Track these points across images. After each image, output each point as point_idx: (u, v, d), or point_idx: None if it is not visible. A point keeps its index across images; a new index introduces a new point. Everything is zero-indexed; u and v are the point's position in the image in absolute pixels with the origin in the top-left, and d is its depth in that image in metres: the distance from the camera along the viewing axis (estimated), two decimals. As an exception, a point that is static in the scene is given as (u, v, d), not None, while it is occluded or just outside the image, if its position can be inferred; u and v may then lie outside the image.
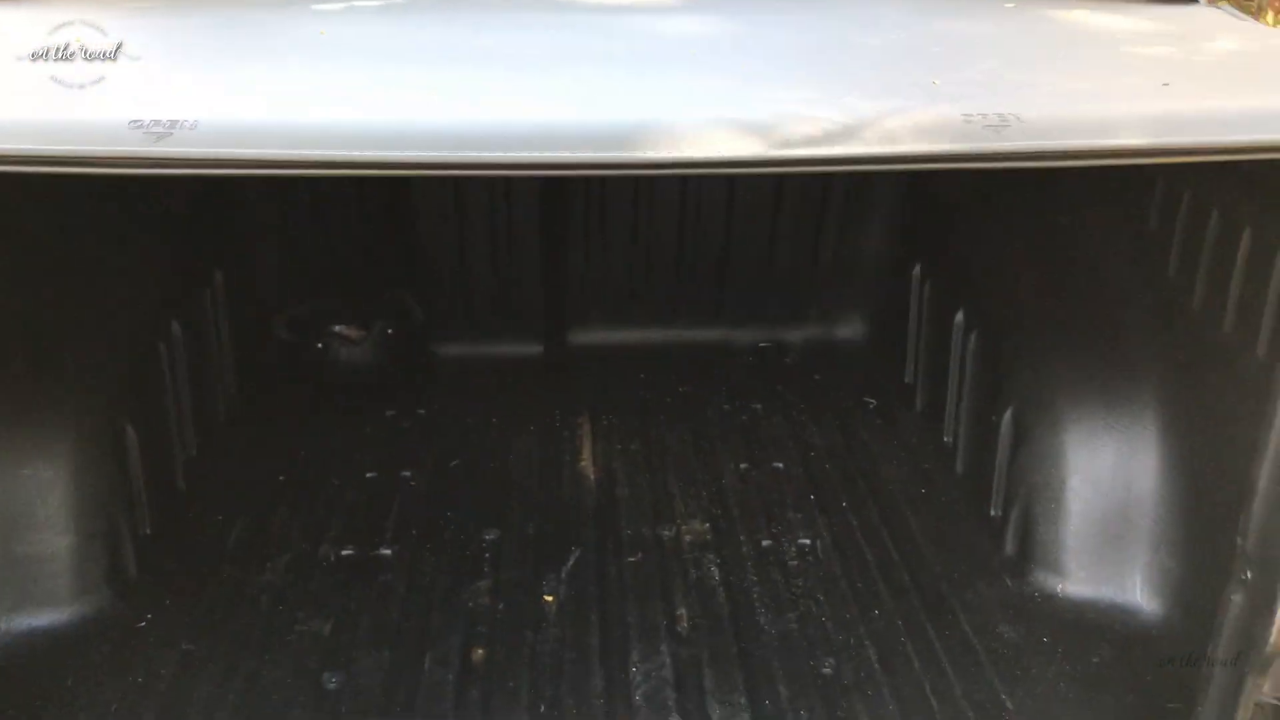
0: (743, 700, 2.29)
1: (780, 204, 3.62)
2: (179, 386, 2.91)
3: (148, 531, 2.66)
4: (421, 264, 3.62)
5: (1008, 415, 2.74)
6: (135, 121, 1.39)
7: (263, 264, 3.53)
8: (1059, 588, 2.58)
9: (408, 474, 3.11)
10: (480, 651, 2.42)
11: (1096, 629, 2.46)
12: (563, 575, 2.69)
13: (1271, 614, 1.75)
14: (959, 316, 3.06)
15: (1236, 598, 1.82)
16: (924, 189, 3.47)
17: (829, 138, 1.49)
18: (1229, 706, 1.84)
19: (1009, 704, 2.27)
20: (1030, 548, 2.64)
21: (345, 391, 3.48)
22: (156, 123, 1.38)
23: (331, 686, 2.31)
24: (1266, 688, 1.82)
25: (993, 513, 2.81)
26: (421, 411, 3.46)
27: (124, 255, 2.77)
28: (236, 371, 3.32)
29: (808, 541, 2.84)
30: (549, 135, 1.50)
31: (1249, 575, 1.79)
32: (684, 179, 3.53)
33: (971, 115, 1.54)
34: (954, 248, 3.21)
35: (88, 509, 2.45)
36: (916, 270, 3.40)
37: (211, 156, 1.40)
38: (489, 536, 2.83)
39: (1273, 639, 1.76)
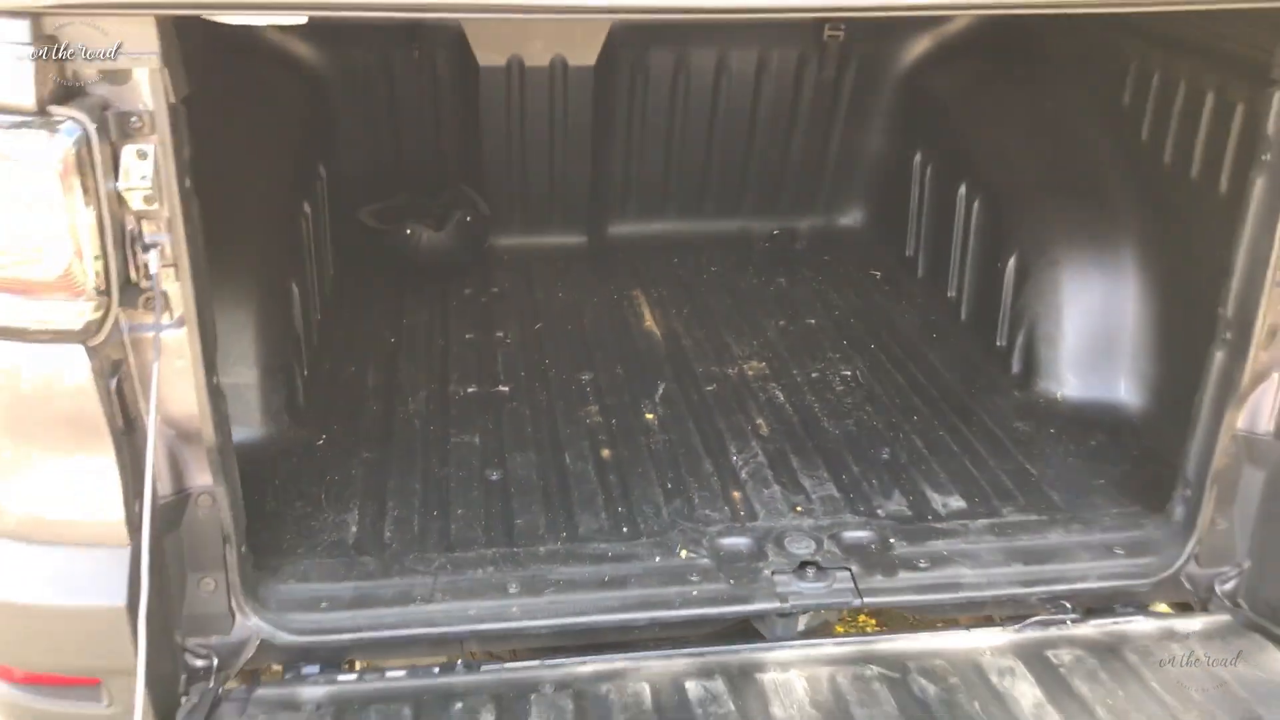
0: (825, 475, 2.88)
1: (797, 106, 4.18)
2: (311, 258, 3.39)
3: (305, 374, 3.15)
4: (485, 164, 4.12)
5: (1011, 261, 3.36)
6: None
7: (349, 161, 4.00)
8: (1058, 394, 3.21)
9: (501, 334, 3.63)
10: (607, 451, 2.97)
11: (1091, 422, 3.10)
12: (656, 400, 3.25)
13: (1245, 361, 2.38)
14: (961, 189, 3.66)
15: (1219, 354, 2.44)
16: (919, 87, 4.07)
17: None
18: (1210, 438, 2.47)
19: (1033, 472, 2.89)
20: (1033, 365, 3.27)
21: (425, 273, 3.97)
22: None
23: (495, 478, 2.84)
24: (1240, 422, 2.46)
25: (998, 343, 3.42)
26: (495, 290, 3.97)
27: (271, 146, 3.24)
28: (334, 253, 3.79)
29: (849, 372, 3.43)
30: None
31: (1229, 335, 2.41)
32: (717, 81, 4.08)
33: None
34: (952, 134, 3.82)
35: (268, 348, 2.92)
36: (918, 157, 4.00)
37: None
38: (585, 377, 3.37)
39: (1245, 380, 2.40)
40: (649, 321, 3.76)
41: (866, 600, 2.44)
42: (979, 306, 3.59)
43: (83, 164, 1.82)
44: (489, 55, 3.84)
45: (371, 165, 4.10)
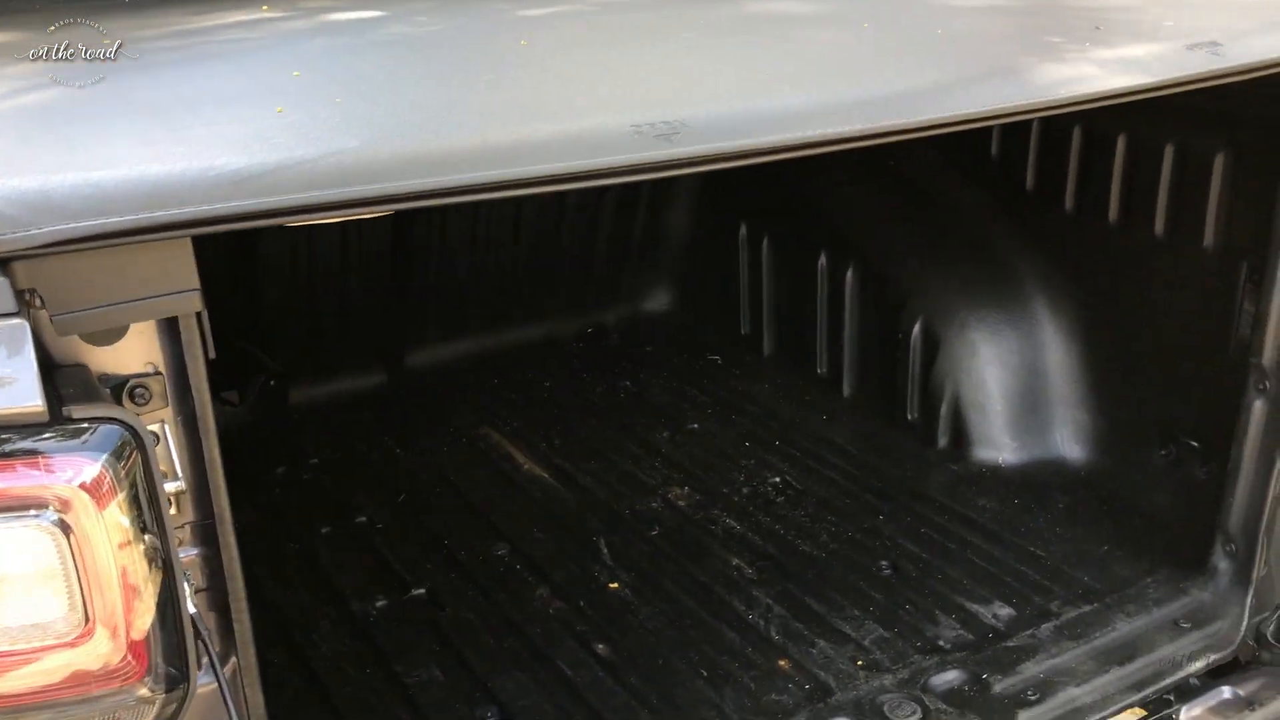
0: (854, 611, 2.53)
1: (603, 194, 3.80)
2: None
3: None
4: (266, 311, 3.39)
5: (915, 330, 3.19)
6: (636, 126, 1.38)
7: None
8: (999, 460, 3.07)
9: (363, 519, 2.96)
10: (601, 646, 2.45)
11: (1044, 484, 2.97)
12: (607, 563, 2.75)
13: (1291, 410, 2.33)
14: (821, 260, 3.45)
15: (1258, 403, 2.37)
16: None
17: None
18: (1259, 490, 2.40)
19: (1040, 554, 2.71)
20: (963, 436, 3.12)
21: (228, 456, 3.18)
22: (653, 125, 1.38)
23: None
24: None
25: (909, 416, 3.24)
26: (314, 460, 3.26)
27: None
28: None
29: (778, 479, 3.10)
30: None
31: (1268, 385, 2.35)
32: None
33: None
34: (791, 204, 3.59)
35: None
36: (743, 231, 3.75)
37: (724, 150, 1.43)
38: (500, 552, 2.81)
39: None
40: (524, 463, 3.23)
41: (1009, 757, 2.13)
42: (869, 381, 3.40)
43: (133, 484, 1.13)
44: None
45: None
